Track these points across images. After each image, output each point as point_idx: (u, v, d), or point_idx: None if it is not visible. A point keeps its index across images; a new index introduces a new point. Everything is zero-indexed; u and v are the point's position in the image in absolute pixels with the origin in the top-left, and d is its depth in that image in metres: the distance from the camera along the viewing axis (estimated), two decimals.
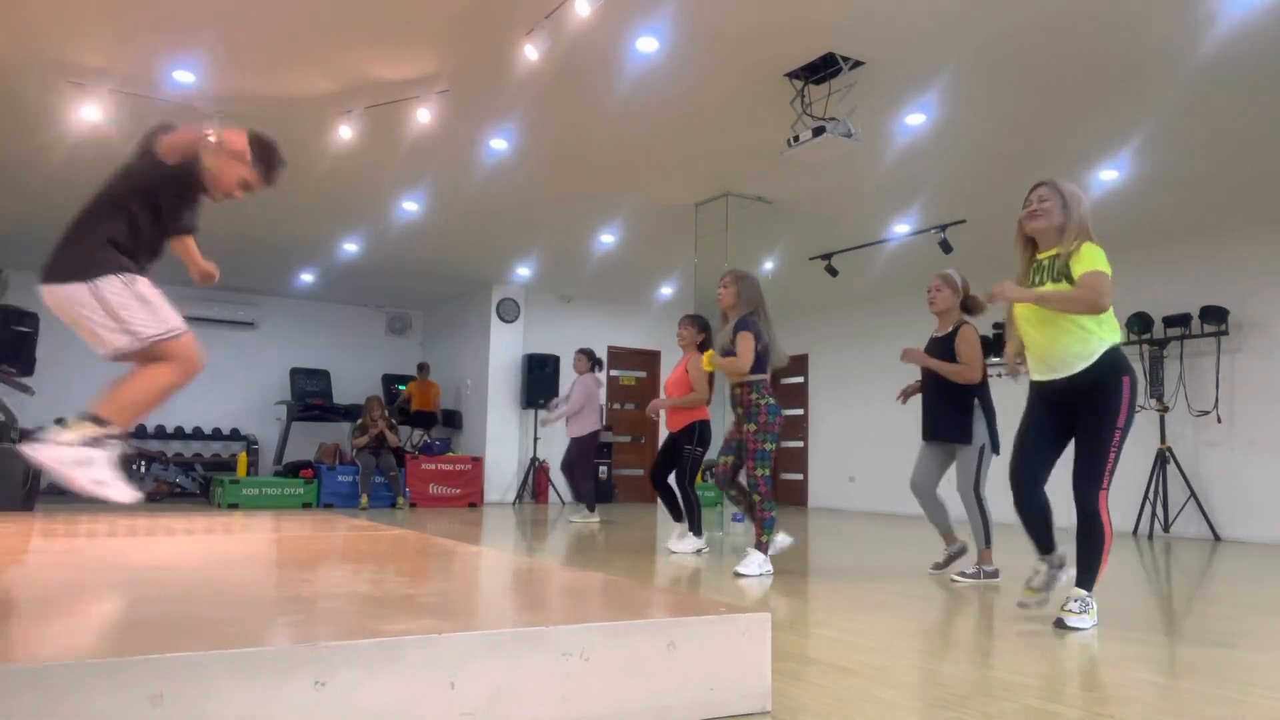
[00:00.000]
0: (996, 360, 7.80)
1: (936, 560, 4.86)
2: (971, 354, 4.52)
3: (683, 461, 5.78)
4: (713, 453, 8.29)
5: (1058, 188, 3.30)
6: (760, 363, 4.62)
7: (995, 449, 4.55)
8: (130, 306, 2.89)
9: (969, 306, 4.73)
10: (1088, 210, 3.30)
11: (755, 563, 4.55)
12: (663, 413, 6.04)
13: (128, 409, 2.78)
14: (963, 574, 4.49)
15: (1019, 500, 3.37)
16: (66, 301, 2.82)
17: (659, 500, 6.03)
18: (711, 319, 7.83)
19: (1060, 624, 3.18)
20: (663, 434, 6.30)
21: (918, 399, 4.86)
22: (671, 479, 5.95)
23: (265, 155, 3.09)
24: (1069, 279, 3.16)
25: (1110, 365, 3.17)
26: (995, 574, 4.49)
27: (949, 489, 4.67)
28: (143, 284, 2.98)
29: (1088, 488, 3.19)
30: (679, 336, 5.97)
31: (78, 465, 2.52)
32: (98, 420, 2.68)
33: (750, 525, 5.43)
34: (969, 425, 4.53)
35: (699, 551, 5.63)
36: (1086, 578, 3.22)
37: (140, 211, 2.98)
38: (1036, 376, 3.35)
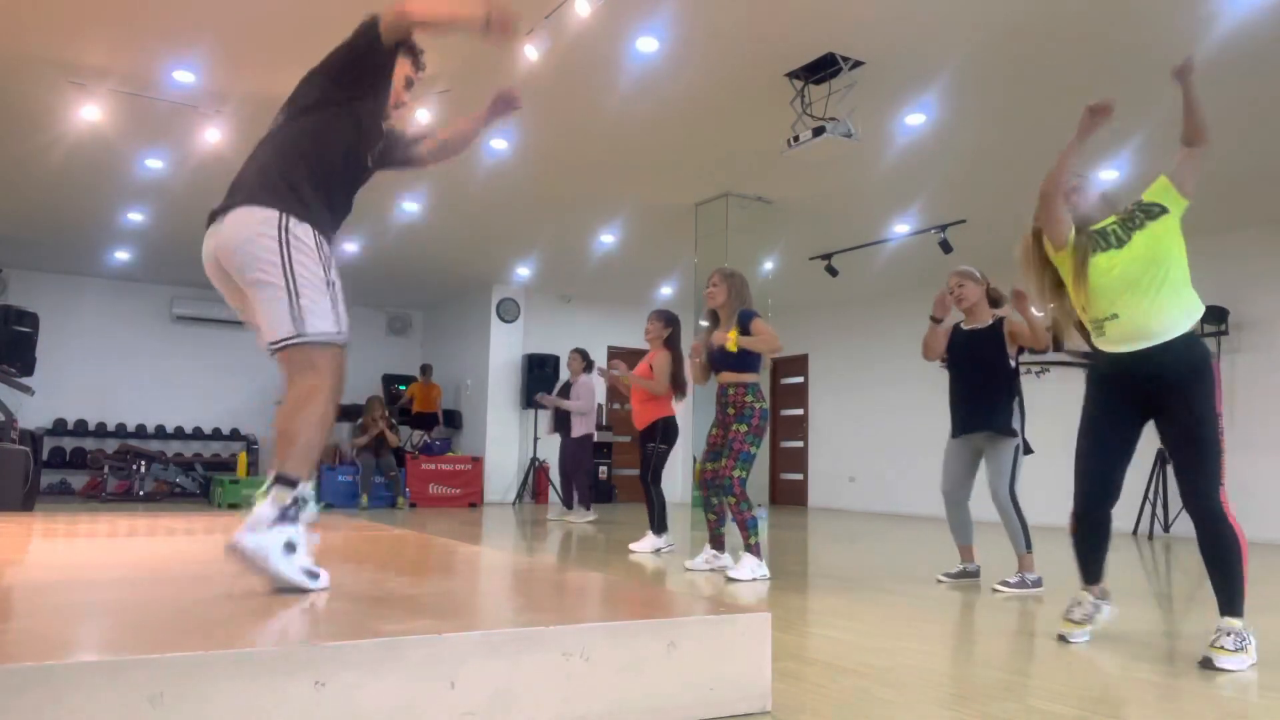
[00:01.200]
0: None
1: (949, 570, 4.64)
2: (1026, 323, 4.24)
3: (646, 459, 5.77)
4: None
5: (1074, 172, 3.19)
6: (758, 363, 4.56)
7: (1028, 449, 4.38)
8: (313, 284, 2.27)
9: (994, 299, 4.53)
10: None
11: (749, 566, 4.40)
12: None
13: (308, 457, 2.20)
14: (1005, 583, 4.24)
15: (1086, 513, 2.94)
16: (243, 242, 2.20)
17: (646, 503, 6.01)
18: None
19: (1208, 664, 2.58)
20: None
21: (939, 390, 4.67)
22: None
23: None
24: (1156, 214, 2.98)
25: (1200, 344, 2.79)
26: (1039, 582, 4.24)
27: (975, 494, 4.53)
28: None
29: (1208, 489, 2.66)
30: (647, 330, 5.92)
31: (283, 550, 2.08)
32: (288, 481, 2.14)
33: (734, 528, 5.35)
34: (1010, 413, 4.32)
35: (658, 551, 5.61)
36: (1233, 602, 2.66)
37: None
38: (1117, 348, 2.84)
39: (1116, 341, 2.83)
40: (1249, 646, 2.62)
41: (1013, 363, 4.44)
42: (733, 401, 4.49)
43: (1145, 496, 8.20)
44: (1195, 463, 2.68)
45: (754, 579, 4.35)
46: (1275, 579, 5.07)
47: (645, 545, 5.63)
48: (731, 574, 4.42)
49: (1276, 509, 7.74)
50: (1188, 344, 2.75)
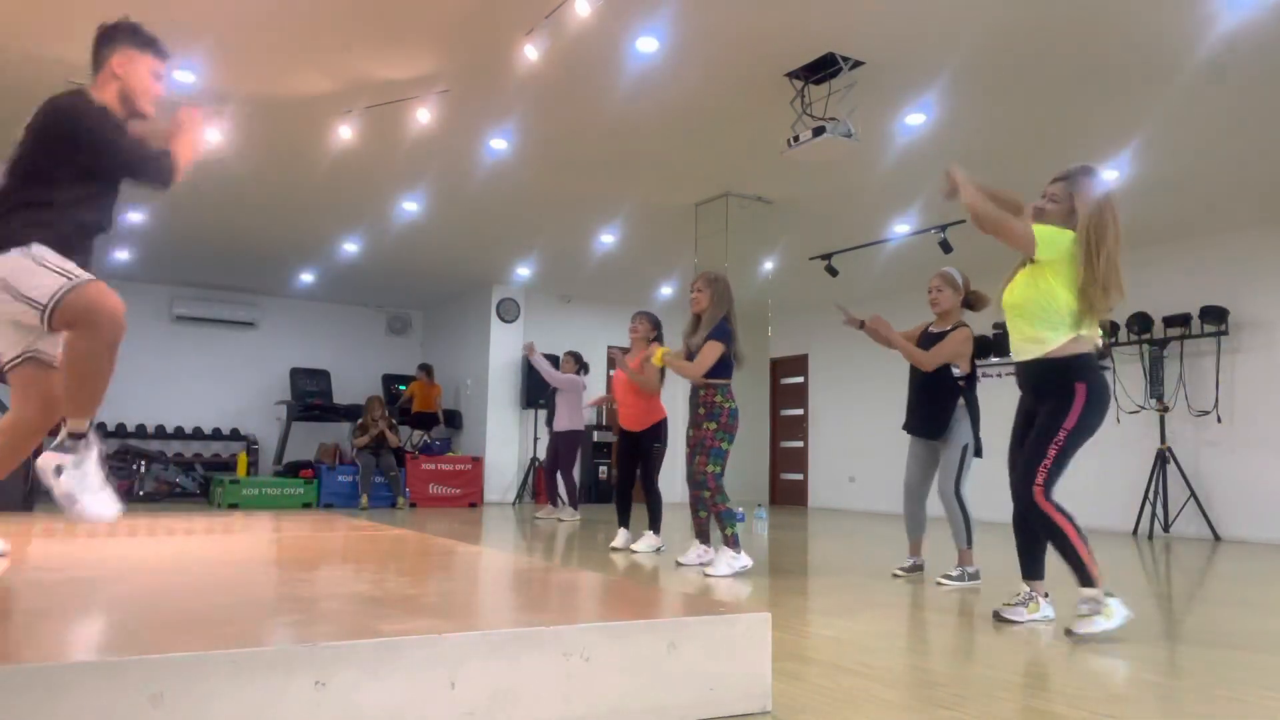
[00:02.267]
0: (997, 360, 7.85)
1: (902, 564, 4.82)
2: (946, 347, 4.52)
3: (652, 460, 5.77)
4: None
5: (1060, 180, 3.41)
6: (729, 369, 4.73)
7: (978, 451, 4.55)
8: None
9: (971, 304, 4.70)
10: (1097, 194, 3.36)
11: (725, 561, 4.53)
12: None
13: (81, 399, 2.52)
14: (947, 576, 4.47)
15: (1016, 509, 3.24)
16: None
17: (619, 503, 5.99)
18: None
19: (1070, 633, 3.04)
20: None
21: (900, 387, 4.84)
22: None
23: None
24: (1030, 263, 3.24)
25: (1066, 369, 3.15)
26: (976, 575, 4.48)
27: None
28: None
29: (1020, 483, 3.13)
30: (632, 330, 5.92)
31: (55, 476, 2.41)
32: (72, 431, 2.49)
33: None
34: (946, 423, 4.52)
35: (658, 550, 5.62)
36: (1078, 575, 3.08)
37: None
38: (1014, 359, 3.35)
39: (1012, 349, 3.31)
40: (1106, 609, 3.02)
41: (958, 370, 4.58)
42: (704, 402, 4.72)
43: (1145, 496, 8.20)
44: (1027, 453, 3.13)
45: (733, 573, 4.51)
46: (1275, 579, 5.07)
47: (644, 545, 5.63)
48: (709, 571, 4.52)
49: (1277, 509, 7.74)
50: (1050, 367, 3.16)
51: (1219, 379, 8.15)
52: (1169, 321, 8.28)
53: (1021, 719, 2.05)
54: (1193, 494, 8.04)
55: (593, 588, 2.55)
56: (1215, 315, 7.99)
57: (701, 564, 4.79)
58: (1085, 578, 3.05)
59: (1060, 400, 3.12)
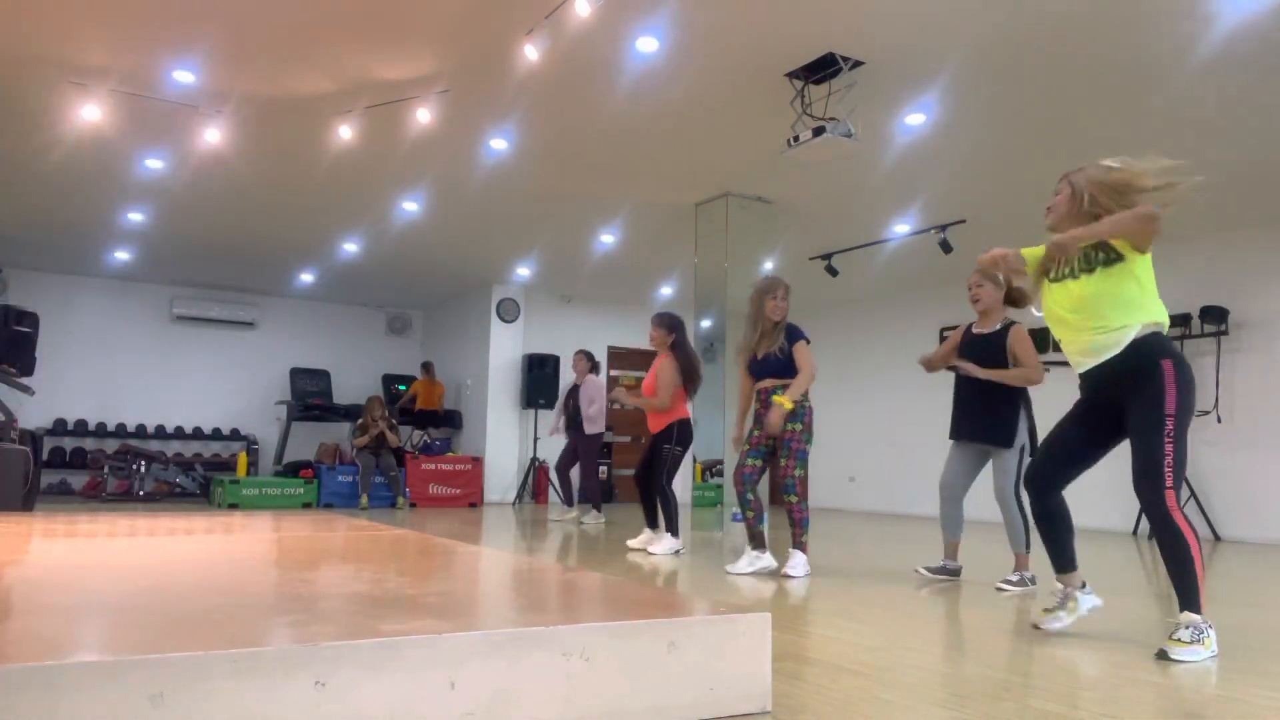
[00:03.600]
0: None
1: (929, 564, 4.74)
2: (1029, 354, 4.33)
3: (660, 461, 5.74)
4: (707, 452, 8.28)
5: (1069, 177, 3.19)
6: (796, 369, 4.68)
7: (1035, 452, 4.37)
8: None
9: (1015, 300, 4.57)
10: (1111, 179, 3.09)
11: (801, 563, 4.58)
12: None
13: None
14: (1007, 582, 4.31)
15: (1033, 505, 3.15)
16: None
17: (642, 503, 5.97)
18: (719, 319, 7.84)
19: (1163, 655, 2.75)
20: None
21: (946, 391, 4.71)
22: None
23: None
24: (1112, 261, 2.94)
25: (1147, 348, 2.91)
26: (1034, 580, 4.33)
27: (976, 494, 4.57)
28: None
29: (1150, 490, 2.86)
30: (651, 338, 5.89)
31: None
32: None
33: (741, 526, 5.35)
34: (1012, 429, 4.34)
35: (677, 552, 5.60)
36: (1186, 597, 2.81)
37: None
38: (1079, 369, 3.08)
39: (1070, 359, 3.07)
40: (1205, 638, 2.75)
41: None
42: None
43: None
44: (1140, 460, 2.90)
45: (806, 574, 4.56)
46: (1276, 579, 5.07)
47: (663, 548, 5.60)
48: (789, 571, 4.54)
49: (1277, 509, 7.74)
50: (1134, 353, 2.91)
51: (1219, 379, 8.15)
52: (1169, 321, 8.27)
53: (1021, 719, 2.05)
54: (1193, 494, 8.04)
55: (593, 588, 2.55)
56: (1215, 315, 7.99)
57: (756, 572, 4.63)
58: (1196, 602, 2.79)
59: (1153, 386, 2.85)
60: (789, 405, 4.52)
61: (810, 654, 2.70)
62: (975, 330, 4.55)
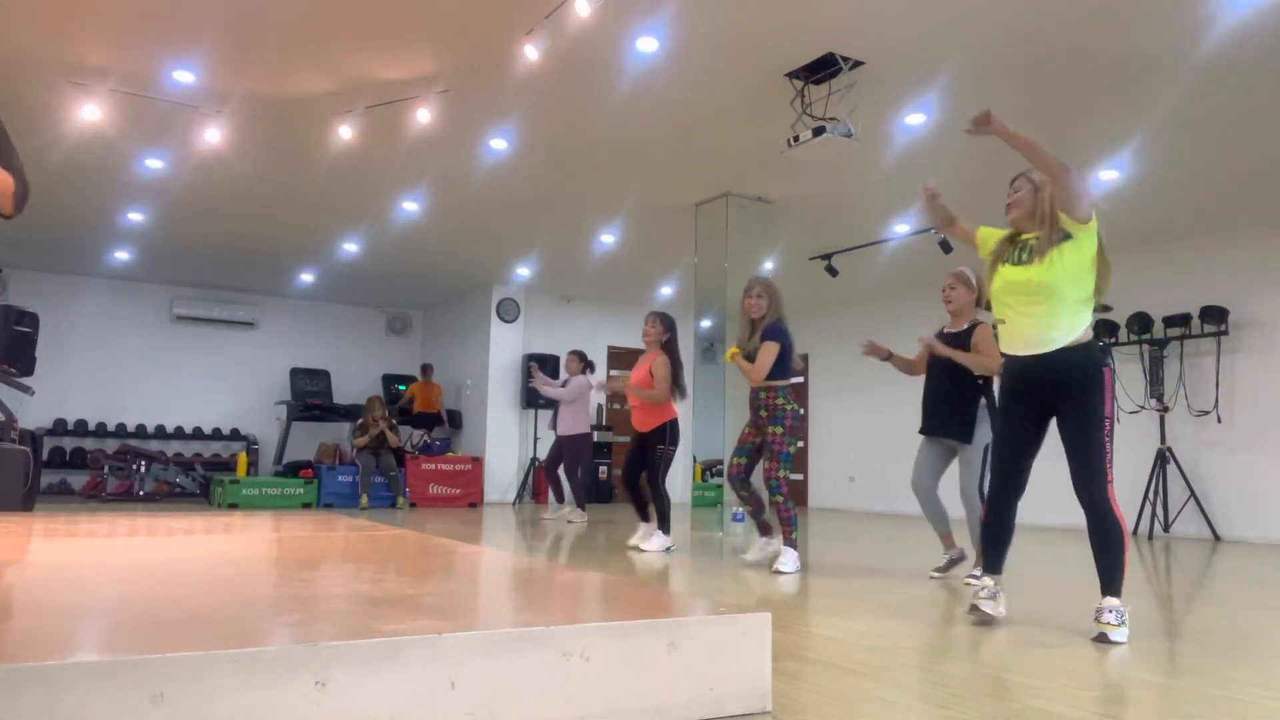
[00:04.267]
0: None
1: (938, 565, 4.78)
2: (992, 348, 4.42)
3: (654, 461, 5.75)
4: (701, 452, 8.28)
5: (1029, 174, 3.29)
6: (788, 370, 4.81)
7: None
8: None
9: (988, 303, 4.65)
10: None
11: (791, 559, 4.69)
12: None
13: None
14: (973, 576, 4.36)
15: (998, 511, 3.27)
16: None
17: (632, 501, 6.00)
18: (719, 319, 7.84)
19: (1103, 639, 2.99)
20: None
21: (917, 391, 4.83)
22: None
23: None
24: (1063, 241, 3.09)
25: (1093, 354, 3.11)
26: (943, 569, 4.59)
27: (946, 490, 4.64)
28: None
29: (1094, 485, 3.04)
30: (645, 333, 5.87)
31: None
32: None
33: (750, 525, 5.41)
34: (972, 424, 4.48)
35: (668, 550, 5.64)
36: (1114, 583, 3.06)
37: None
38: (1022, 353, 3.20)
39: (1014, 344, 3.19)
40: (1126, 620, 3.03)
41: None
42: (765, 405, 4.79)
43: (1145, 496, 8.21)
44: (1084, 460, 3.05)
45: (796, 570, 4.67)
46: (1276, 579, 5.07)
47: (656, 544, 5.62)
48: (780, 567, 4.65)
49: (1277, 509, 7.74)
50: (1080, 355, 3.08)
51: (1219, 379, 8.15)
52: (1169, 321, 8.28)
53: (1021, 719, 2.05)
54: (1193, 494, 8.04)
55: (593, 588, 2.55)
56: (1215, 315, 7.99)
57: (765, 556, 4.98)
58: (1120, 587, 3.05)
59: (1097, 388, 3.05)
60: (730, 355, 4.92)
61: (810, 654, 2.70)
62: (946, 330, 4.69)
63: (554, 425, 8.50)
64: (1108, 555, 3.07)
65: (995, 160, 6.63)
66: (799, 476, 12.65)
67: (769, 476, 4.70)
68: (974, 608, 3.24)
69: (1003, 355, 3.29)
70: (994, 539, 3.31)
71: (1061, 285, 3.07)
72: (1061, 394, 3.11)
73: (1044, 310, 3.10)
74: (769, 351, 4.74)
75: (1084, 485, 3.07)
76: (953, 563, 4.71)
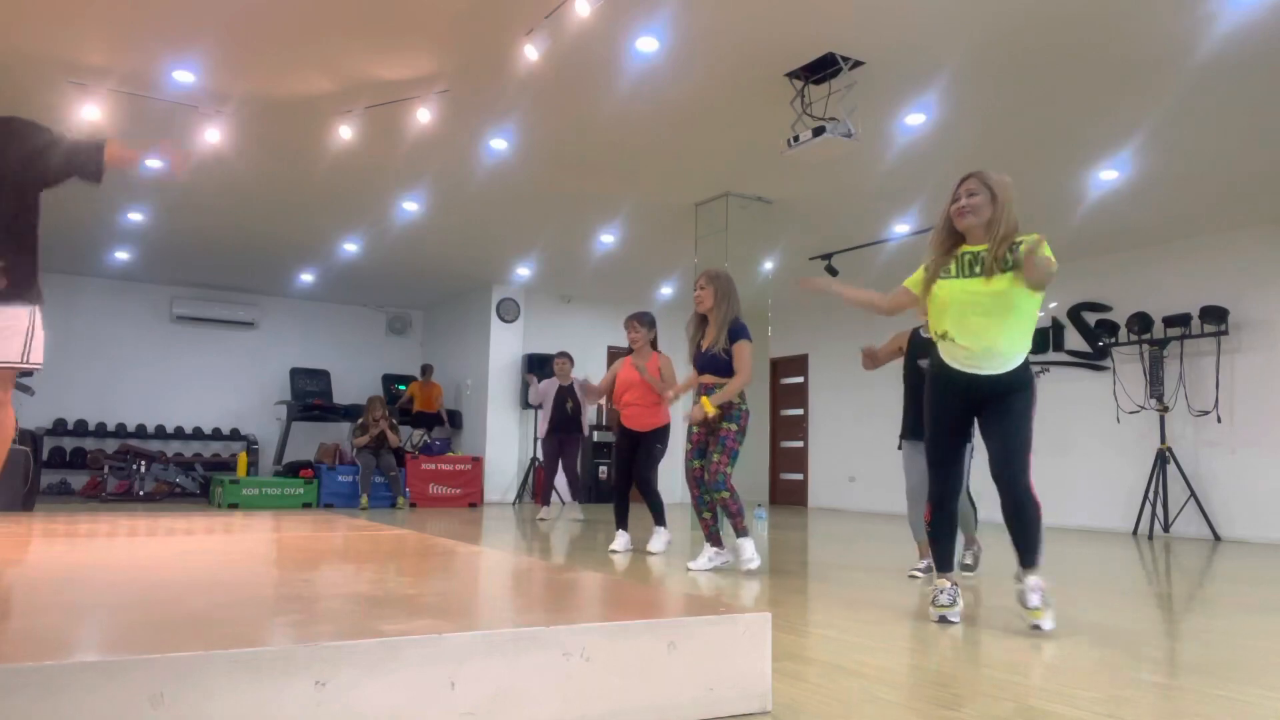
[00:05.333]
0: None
1: (917, 566, 4.76)
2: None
3: (651, 460, 5.71)
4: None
5: (985, 180, 3.22)
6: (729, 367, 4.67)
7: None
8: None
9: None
10: (1015, 201, 3.23)
11: (749, 551, 4.62)
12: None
13: None
14: (920, 570, 4.51)
15: (942, 510, 3.37)
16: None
17: (620, 505, 5.96)
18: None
19: (1037, 629, 3.14)
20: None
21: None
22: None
23: None
24: (1014, 267, 3.10)
25: (1029, 372, 3.27)
26: (972, 567, 4.63)
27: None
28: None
29: (1023, 475, 3.17)
30: (632, 340, 5.80)
31: None
32: None
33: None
34: None
35: (665, 544, 5.63)
36: (1033, 557, 3.19)
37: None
38: (963, 368, 3.22)
39: (961, 359, 3.22)
40: (1051, 602, 3.16)
41: None
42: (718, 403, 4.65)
43: (1145, 496, 8.20)
44: (1015, 452, 3.17)
45: (757, 560, 4.63)
46: (1275, 579, 5.07)
47: (659, 544, 5.60)
48: (744, 565, 4.59)
49: (1277, 509, 7.74)
50: (1023, 372, 3.23)
51: (1219, 379, 8.15)
52: (1169, 321, 8.28)
53: (1021, 719, 2.05)
54: (1193, 494, 8.04)
55: (593, 588, 2.55)
56: (1215, 315, 7.99)
57: (715, 568, 4.73)
58: (1036, 560, 3.19)
59: (1026, 396, 3.22)
60: (710, 411, 4.59)
61: (810, 654, 2.70)
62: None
63: (562, 428, 8.53)
64: (1027, 532, 3.17)
65: (995, 160, 6.63)
66: (798, 476, 12.65)
67: (716, 470, 4.54)
68: (942, 618, 3.31)
69: (937, 367, 3.31)
70: (942, 538, 3.40)
71: (1018, 298, 3.12)
72: (991, 401, 3.23)
73: (996, 323, 3.13)
74: (745, 350, 4.60)
75: (1006, 467, 3.18)
76: (931, 570, 4.70)
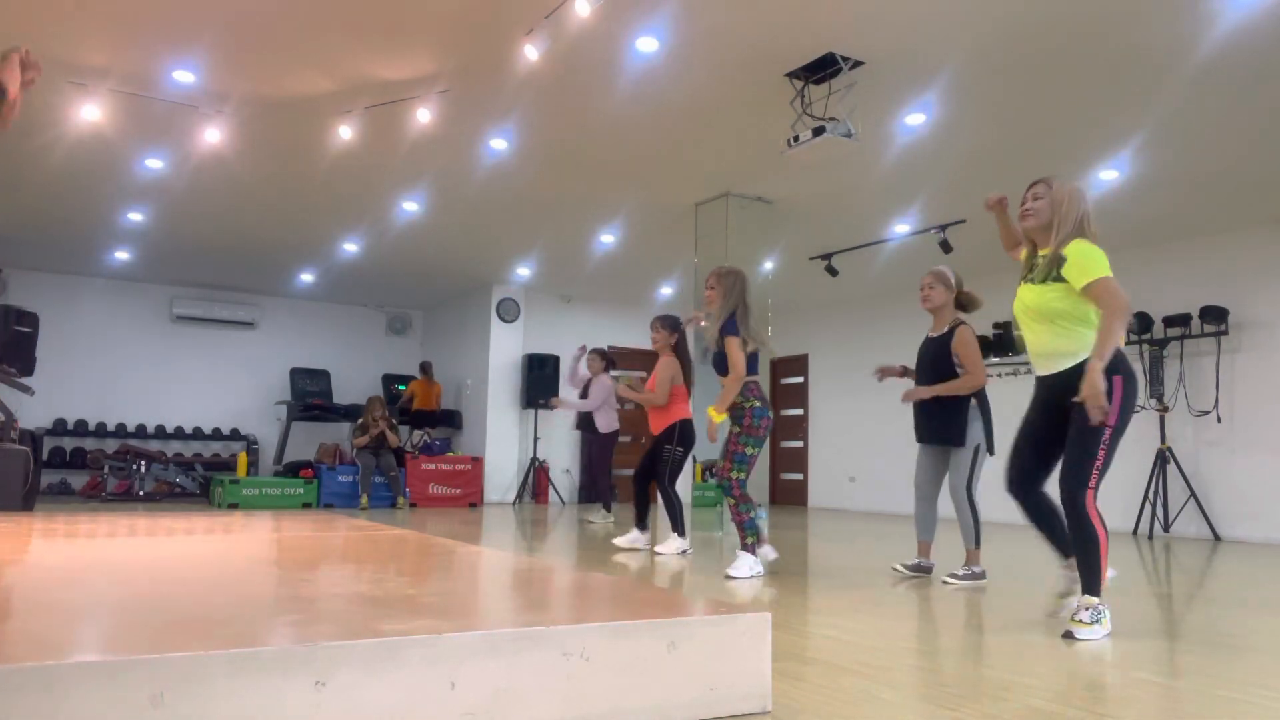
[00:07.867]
0: (996, 360, 7.87)
1: (905, 561, 4.80)
2: (971, 357, 4.49)
3: (662, 462, 5.71)
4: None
5: (1048, 184, 3.29)
6: (750, 364, 4.58)
7: (990, 449, 4.54)
8: None
9: (964, 304, 4.70)
10: (1086, 207, 3.23)
11: (746, 565, 4.47)
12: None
13: None
14: (953, 575, 4.45)
15: (1019, 504, 3.36)
16: None
17: (636, 502, 5.95)
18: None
19: (1068, 635, 3.04)
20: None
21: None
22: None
23: None
24: (1058, 279, 3.15)
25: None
26: (982, 575, 4.47)
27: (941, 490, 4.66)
28: None
29: (1079, 492, 3.09)
30: (654, 340, 5.85)
31: None
32: None
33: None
34: (963, 428, 4.49)
35: (683, 553, 5.56)
36: (1087, 583, 3.11)
37: None
38: (1036, 372, 3.36)
39: (1032, 363, 3.32)
40: (1103, 618, 3.07)
41: (963, 370, 4.55)
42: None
43: (1145, 496, 8.20)
44: (1072, 462, 3.10)
45: (751, 576, 4.45)
46: (1275, 579, 5.07)
47: (671, 547, 5.57)
48: (730, 572, 4.48)
49: (1277, 509, 7.74)
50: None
51: (1219, 379, 8.15)
52: (1169, 321, 8.28)
53: (1021, 719, 2.05)
54: (1193, 494, 8.03)
55: (593, 588, 2.55)
56: (1215, 315, 7.99)
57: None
58: (1096, 587, 3.10)
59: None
60: (717, 418, 4.50)
61: (810, 654, 2.70)
62: (929, 335, 4.70)
63: (579, 426, 8.45)
64: (1083, 557, 3.11)
65: (995, 160, 6.63)
66: (798, 476, 12.65)
67: (721, 476, 4.50)
68: (1068, 633, 3.08)
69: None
70: (1040, 528, 3.36)
71: (1052, 307, 3.15)
72: (1064, 404, 3.18)
73: (1039, 329, 3.23)
74: (731, 348, 4.47)
75: (1062, 481, 3.14)
76: (920, 569, 4.71)
